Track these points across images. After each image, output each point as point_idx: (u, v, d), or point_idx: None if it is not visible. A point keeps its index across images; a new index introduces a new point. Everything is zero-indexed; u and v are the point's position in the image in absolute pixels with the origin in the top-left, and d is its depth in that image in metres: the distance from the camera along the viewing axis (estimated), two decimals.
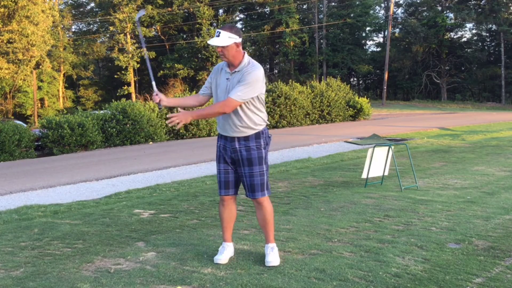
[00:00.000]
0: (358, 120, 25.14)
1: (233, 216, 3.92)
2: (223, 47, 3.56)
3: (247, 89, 3.55)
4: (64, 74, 42.73)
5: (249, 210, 5.53)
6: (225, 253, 3.85)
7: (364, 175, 6.81)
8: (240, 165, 3.70)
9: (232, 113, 3.61)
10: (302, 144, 13.50)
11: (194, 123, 18.69)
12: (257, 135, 3.69)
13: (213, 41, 3.56)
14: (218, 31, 3.59)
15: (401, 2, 51.37)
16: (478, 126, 17.93)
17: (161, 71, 43.50)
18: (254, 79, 3.57)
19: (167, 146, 15.77)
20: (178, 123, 3.58)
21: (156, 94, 3.74)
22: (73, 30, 49.73)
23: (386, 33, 47.34)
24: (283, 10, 43.92)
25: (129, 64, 40.38)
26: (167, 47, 46.00)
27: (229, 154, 3.73)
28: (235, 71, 3.65)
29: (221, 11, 49.97)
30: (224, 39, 3.56)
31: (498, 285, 3.22)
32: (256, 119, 3.67)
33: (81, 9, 51.25)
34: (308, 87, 24.23)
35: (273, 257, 3.70)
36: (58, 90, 42.16)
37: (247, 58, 3.67)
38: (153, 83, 3.80)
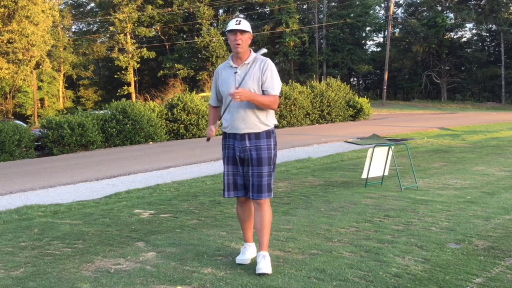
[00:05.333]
0: (358, 120, 25.14)
1: (251, 215, 3.77)
2: (244, 31, 3.52)
3: (278, 80, 3.60)
4: (64, 74, 42.74)
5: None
6: (247, 253, 3.75)
7: (364, 175, 6.80)
8: (248, 165, 3.58)
9: (248, 107, 3.53)
10: (302, 144, 13.49)
11: (194, 123, 18.69)
12: (268, 134, 3.61)
13: (238, 26, 3.51)
14: (237, 20, 3.54)
15: (401, 2, 51.43)
16: (478, 126, 17.92)
17: (161, 71, 43.51)
18: (275, 70, 3.62)
19: (167, 146, 15.76)
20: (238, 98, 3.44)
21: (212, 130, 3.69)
22: (73, 30, 49.85)
23: (386, 33, 47.34)
24: (283, 10, 43.94)
25: (129, 64, 40.40)
26: (167, 47, 46.02)
27: (237, 154, 3.60)
28: (244, 64, 3.59)
29: (221, 11, 50.02)
30: (247, 25, 3.56)
31: (498, 285, 3.21)
32: (269, 115, 3.62)
33: (81, 9, 51.29)
34: (308, 87, 24.22)
35: (264, 264, 3.49)
36: (58, 90, 42.17)
37: (253, 53, 3.67)
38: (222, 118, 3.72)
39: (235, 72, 3.60)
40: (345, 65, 45.76)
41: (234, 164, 3.64)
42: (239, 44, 3.53)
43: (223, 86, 3.64)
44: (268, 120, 3.62)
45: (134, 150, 14.86)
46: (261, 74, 3.57)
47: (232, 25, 3.53)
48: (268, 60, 3.64)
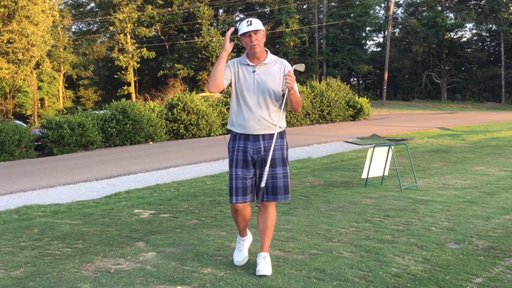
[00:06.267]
0: (358, 120, 25.14)
1: (249, 217, 3.72)
2: (257, 31, 3.42)
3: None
4: (64, 74, 42.75)
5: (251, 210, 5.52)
6: (244, 249, 3.73)
7: (364, 175, 6.80)
8: (261, 166, 3.48)
9: (265, 108, 3.47)
10: (302, 144, 13.49)
11: (194, 123, 18.69)
12: (281, 134, 3.57)
13: (250, 27, 3.40)
14: (248, 20, 3.43)
15: (401, 2, 51.47)
16: (478, 126, 17.92)
17: (161, 71, 43.52)
18: None
19: (167, 146, 15.76)
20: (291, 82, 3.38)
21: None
22: (73, 30, 49.87)
23: (386, 33, 47.37)
24: (283, 10, 43.96)
25: (129, 64, 40.41)
26: (167, 47, 46.03)
27: (250, 155, 3.49)
28: (262, 64, 3.51)
29: (221, 11, 50.02)
30: (258, 23, 3.46)
31: (498, 285, 3.21)
32: (283, 118, 3.58)
33: (81, 9, 51.31)
34: (308, 87, 24.23)
35: (265, 266, 3.47)
36: (58, 90, 42.18)
37: (270, 54, 3.59)
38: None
39: (254, 71, 3.51)
40: (345, 65, 45.78)
41: (244, 167, 3.50)
42: (255, 45, 3.44)
43: (244, 84, 3.53)
44: (281, 122, 3.57)
45: (134, 150, 14.86)
46: (283, 77, 3.49)
47: (244, 27, 3.43)
48: (286, 63, 3.60)
